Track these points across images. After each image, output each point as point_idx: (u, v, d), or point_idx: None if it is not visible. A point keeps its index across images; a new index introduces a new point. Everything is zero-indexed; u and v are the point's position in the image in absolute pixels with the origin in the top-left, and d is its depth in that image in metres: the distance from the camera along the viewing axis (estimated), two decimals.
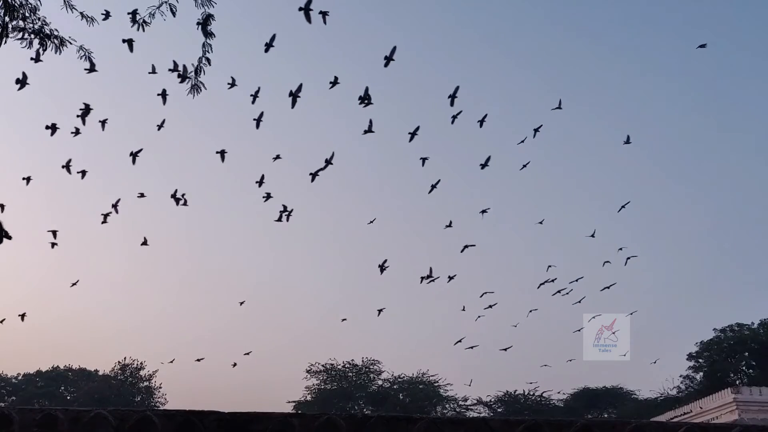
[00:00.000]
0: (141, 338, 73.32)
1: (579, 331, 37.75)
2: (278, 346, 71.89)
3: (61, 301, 70.09)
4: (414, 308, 74.11)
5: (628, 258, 29.63)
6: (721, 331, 50.69)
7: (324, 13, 16.14)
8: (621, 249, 29.13)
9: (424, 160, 22.69)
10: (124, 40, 15.72)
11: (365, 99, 18.69)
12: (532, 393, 57.30)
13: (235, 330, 76.17)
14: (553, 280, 29.54)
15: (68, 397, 57.59)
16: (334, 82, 18.70)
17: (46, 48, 7.81)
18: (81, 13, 8.01)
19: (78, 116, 18.65)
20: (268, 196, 22.33)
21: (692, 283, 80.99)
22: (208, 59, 8.24)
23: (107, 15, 12.72)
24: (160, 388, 59.44)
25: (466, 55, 79.03)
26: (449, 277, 28.08)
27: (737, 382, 43.77)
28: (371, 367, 58.86)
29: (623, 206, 28.36)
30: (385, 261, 25.61)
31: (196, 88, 8.39)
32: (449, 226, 26.25)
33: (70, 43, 8.00)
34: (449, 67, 74.17)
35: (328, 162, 21.40)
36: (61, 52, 7.91)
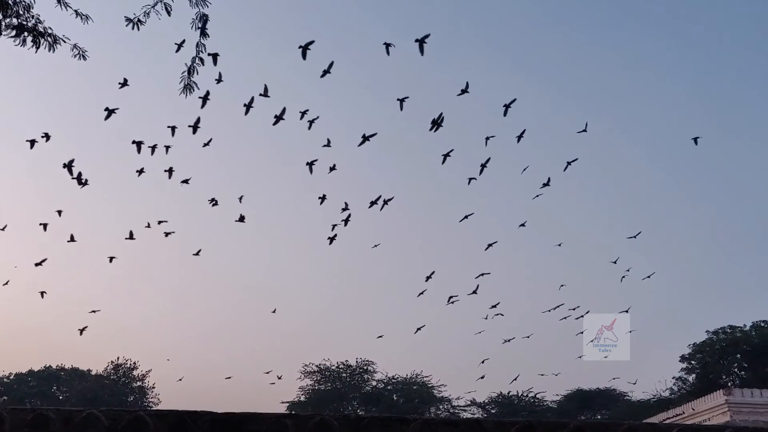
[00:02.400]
0: (134, 338, 73.14)
1: (580, 357, 39.40)
2: (272, 346, 71.89)
3: (54, 301, 69.86)
4: (408, 308, 74.14)
5: (649, 275, 31.33)
6: (714, 333, 50.85)
7: (422, 41, 16.86)
8: (628, 270, 29.81)
9: (471, 179, 22.75)
10: (300, 47, 16.44)
11: (437, 123, 18.91)
12: (525, 394, 57.46)
13: (229, 330, 76.14)
14: (564, 318, 31.23)
15: (61, 397, 57.36)
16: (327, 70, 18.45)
17: (39, 46, 7.78)
18: (75, 11, 7.98)
19: (169, 126, 19.14)
20: (346, 209, 22.76)
21: (685, 285, 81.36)
22: (201, 59, 8.23)
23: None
24: (153, 388, 59.38)
25: (463, 57, 79.16)
26: (473, 291, 28.82)
27: (729, 384, 43.88)
28: (365, 367, 58.90)
29: (634, 236, 29.45)
30: (432, 273, 26.68)
31: (188, 88, 8.37)
32: (491, 245, 26.79)
33: (64, 41, 7.97)
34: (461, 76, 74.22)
35: (386, 201, 22.68)
36: (54, 50, 7.88)
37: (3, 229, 22.41)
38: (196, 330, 74.92)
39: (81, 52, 8.24)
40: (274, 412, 3.60)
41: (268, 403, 54.03)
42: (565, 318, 31.49)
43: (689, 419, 35.64)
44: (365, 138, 19.69)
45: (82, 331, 27.81)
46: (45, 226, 22.06)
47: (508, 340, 33.96)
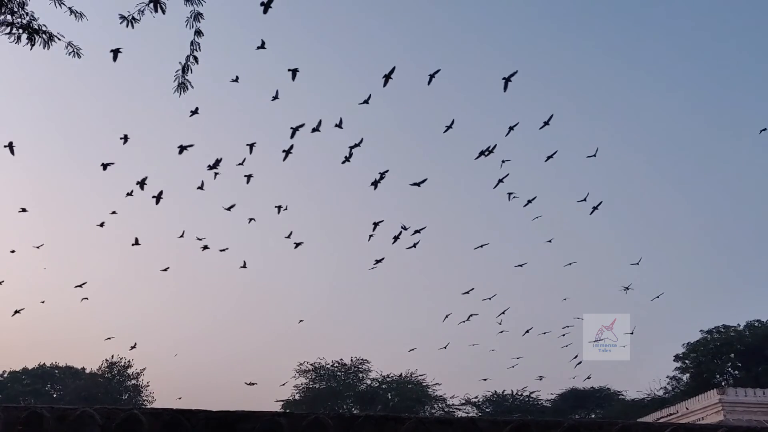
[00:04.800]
0: (129, 336, 72.85)
1: (575, 374, 40.14)
2: (267, 345, 71.83)
3: (49, 298, 69.53)
4: (404, 308, 74.24)
5: (658, 296, 32.02)
6: (708, 333, 51.01)
7: (508, 79, 17.63)
8: (629, 287, 30.07)
9: (510, 194, 23.19)
10: (384, 76, 17.55)
11: (488, 152, 19.97)
12: (520, 393, 57.51)
13: (224, 329, 76.03)
14: (567, 342, 32.15)
15: (55, 395, 57.18)
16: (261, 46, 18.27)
17: (34, 43, 7.75)
18: (70, 8, 7.95)
19: (248, 144, 20.24)
20: (405, 229, 23.46)
21: (680, 284, 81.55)
22: (195, 58, 8.20)
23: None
24: (148, 386, 59.20)
25: (455, 59, 79.15)
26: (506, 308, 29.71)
27: (723, 384, 43.99)
28: (360, 366, 58.85)
29: (637, 262, 30.05)
30: (472, 289, 27.51)
31: (182, 87, 8.35)
32: (520, 266, 27.78)
33: (59, 39, 7.94)
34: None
35: (414, 235, 23.72)
36: (49, 47, 7.86)
37: (38, 248, 24.36)
38: (191, 328, 74.75)
39: (75, 50, 8.21)
40: (268, 410, 3.60)
41: (262, 402, 54.03)
42: (566, 346, 32.44)
43: (683, 418, 35.72)
44: (417, 184, 21.18)
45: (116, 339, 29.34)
46: (102, 224, 24.16)
47: (512, 367, 35.49)
